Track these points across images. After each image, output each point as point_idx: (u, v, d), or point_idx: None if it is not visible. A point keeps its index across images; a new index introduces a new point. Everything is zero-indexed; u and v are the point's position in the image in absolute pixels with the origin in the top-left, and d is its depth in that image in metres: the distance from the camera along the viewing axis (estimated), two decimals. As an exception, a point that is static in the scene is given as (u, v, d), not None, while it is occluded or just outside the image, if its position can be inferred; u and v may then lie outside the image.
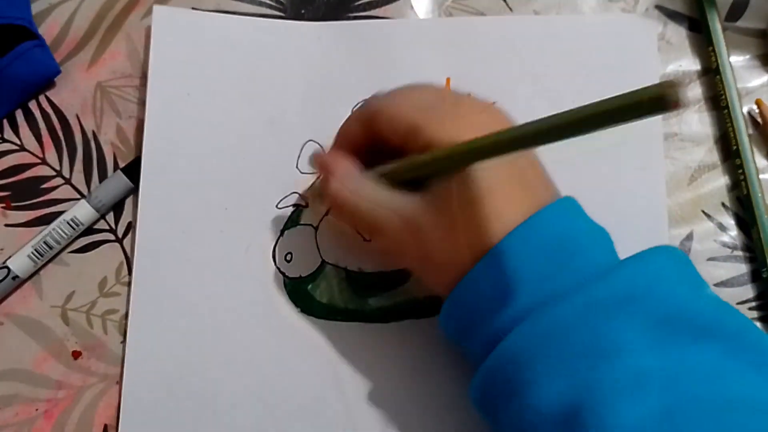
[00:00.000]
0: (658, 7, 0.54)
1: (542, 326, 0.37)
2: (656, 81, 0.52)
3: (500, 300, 0.39)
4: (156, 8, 0.54)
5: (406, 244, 0.43)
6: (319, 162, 0.48)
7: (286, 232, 0.51)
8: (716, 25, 0.53)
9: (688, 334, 0.36)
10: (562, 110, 0.33)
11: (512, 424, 0.38)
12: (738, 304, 0.50)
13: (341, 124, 0.48)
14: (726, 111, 0.52)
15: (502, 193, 0.40)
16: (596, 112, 0.30)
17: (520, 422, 0.38)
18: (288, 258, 0.51)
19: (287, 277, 0.50)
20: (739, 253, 0.51)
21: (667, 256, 0.39)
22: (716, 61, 0.52)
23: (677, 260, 0.40)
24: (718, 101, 0.53)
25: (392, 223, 0.42)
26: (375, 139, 0.45)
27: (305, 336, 0.50)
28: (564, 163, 0.51)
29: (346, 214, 0.45)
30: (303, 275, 0.51)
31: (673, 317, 0.36)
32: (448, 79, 0.53)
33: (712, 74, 0.53)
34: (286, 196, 0.51)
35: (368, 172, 0.45)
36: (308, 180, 0.52)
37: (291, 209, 0.51)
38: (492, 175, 0.40)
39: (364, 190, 0.44)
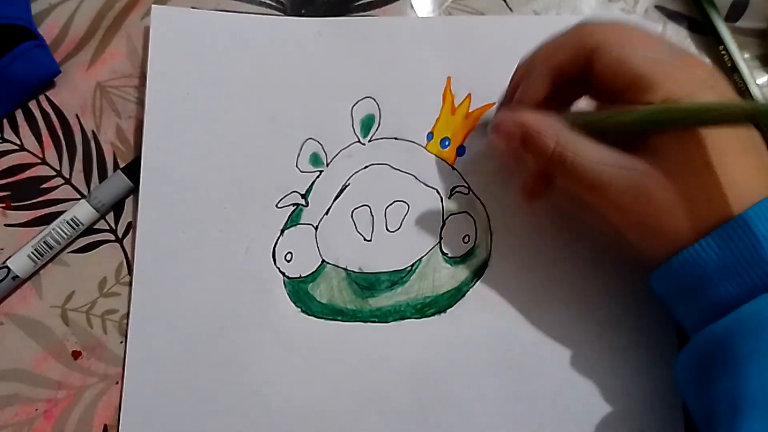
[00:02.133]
0: (658, 8, 0.54)
1: None
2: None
3: (735, 272, 0.38)
4: (154, 8, 0.54)
5: (628, 206, 0.41)
6: (511, 124, 0.44)
7: (286, 232, 0.51)
8: (721, 24, 0.53)
9: None
10: None
11: (729, 395, 0.37)
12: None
13: (534, 52, 0.46)
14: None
15: (738, 161, 0.39)
16: None
17: (739, 393, 0.37)
18: (288, 258, 0.51)
19: (287, 277, 0.50)
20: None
21: None
22: (730, 59, 0.52)
23: None
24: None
25: (617, 184, 0.41)
26: (582, 73, 0.43)
27: (305, 336, 0.50)
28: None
29: (566, 174, 0.42)
30: (303, 275, 0.50)
31: None
32: (448, 79, 0.53)
33: (723, 72, 0.53)
34: (285, 196, 0.51)
35: (570, 120, 0.43)
36: (308, 178, 0.52)
37: (291, 208, 0.51)
38: (728, 141, 0.39)
39: (586, 148, 0.42)
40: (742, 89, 0.52)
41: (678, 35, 0.54)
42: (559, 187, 0.46)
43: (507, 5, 0.55)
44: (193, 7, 0.55)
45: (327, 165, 0.52)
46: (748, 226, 0.38)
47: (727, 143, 0.39)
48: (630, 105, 0.41)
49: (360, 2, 0.55)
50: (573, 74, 0.44)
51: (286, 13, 0.55)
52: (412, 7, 0.55)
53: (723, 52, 0.53)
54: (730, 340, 0.38)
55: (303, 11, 0.55)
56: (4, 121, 0.54)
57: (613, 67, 0.41)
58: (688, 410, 0.44)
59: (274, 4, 0.55)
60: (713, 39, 0.53)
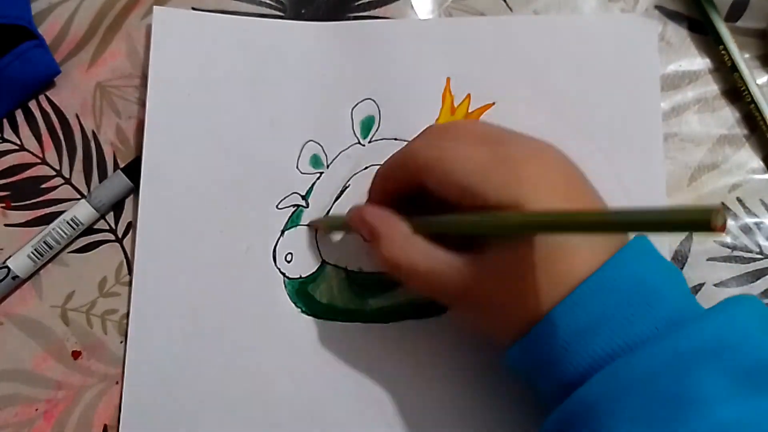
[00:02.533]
0: (658, 8, 0.54)
1: (626, 372, 0.37)
2: (657, 83, 0.52)
3: (577, 345, 0.38)
4: (156, 9, 0.54)
5: (467, 303, 0.43)
6: (359, 220, 0.46)
7: (286, 232, 0.51)
8: (721, 24, 0.53)
9: None
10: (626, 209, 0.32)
11: None
12: (738, 304, 0.50)
13: (378, 168, 0.47)
14: (753, 105, 0.52)
15: (570, 248, 0.39)
16: (651, 221, 0.31)
17: None
18: (288, 258, 0.51)
19: (287, 277, 0.50)
20: (739, 253, 0.51)
21: (750, 307, 0.39)
22: (730, 59, 0.52)
23: (760, 312, 0.39)
24: (733, 96, 0.53)
25: (452, 286, 0.41)
26: (418, 189, 0.43)
27: (305, 336, 0.50)
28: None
29: (402, 276, 0.44)
30: (303, 275, 0.51)
31: (760, 369, 0.35)
32: (448, 79, 0.52)
33: (723, 72, 0.53)
34: (286, 196, 0.51)
35: (414, 224, 0.44)
36: (308, 179, 0.52)
37: (291, 209, 0.51)
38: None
39: (419, 253, 0.43)
40: (742, 89, 0.52)
41: (678, 35, 0.54)
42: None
43: (507, 5, 0.55)
44: (193, 8, 0.55)
45: (327, 166, 0.52)
46: (580, 300, 0.38)
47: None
48: (466, 212, 0.41)
49: (360, 2, 0.55)
50: (411, 192, 0.44)
51: (285, 13, 0.55)
52: (412, 7, 0.55)
53: (723, 52, 0.53)
54: (569, 428, 0.38)
55: (303, 11, 0.55)
56: (4, 121, 0.54)
57: (442, 184, 0.42)
58: None
59: (273, 3, 0.55)
60: (713, 39, 0.53)
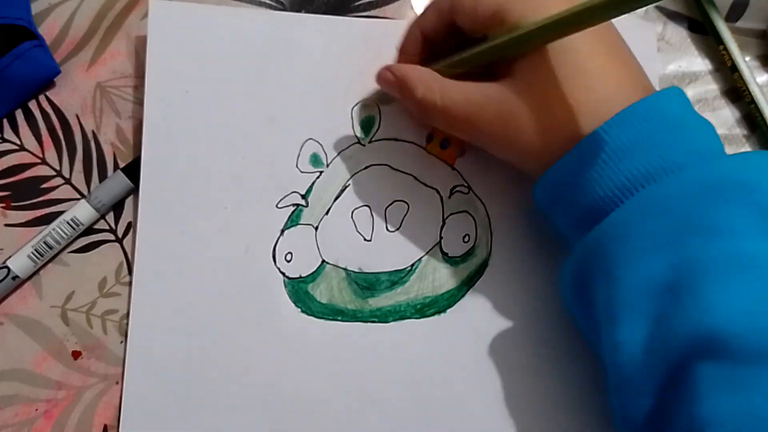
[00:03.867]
0: (658, 8, 0.54)
1: (652, 198, 0.38)
2: (656, 83, 0.52)
3: (613, 164, 0.39)
4: (152, 2, 0.53)
5: (497, 132, 0.43)
6: (390, 76, 0.48)
7: (285, 231, 0.51)
8: (721, 24, 0.53)
9: None
10: None
11: (607, 302, 0.39)
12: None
13: (409, 25, 0.49)
14: (753, 105, 0.52)
15: (602, 77, 0.41)
16: None
17: (615, 299, 0.38)
18: (288, 258, 0.51)
19: (287, 277, 0.50)
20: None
21: None
22: (730, 59, 0.52)
23: None
24: (733, 96, 0.53)
25: (484, 114, 0.43)
26: (450, 31, 0.45)
27: (305, 336, 0.50)
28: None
29: (438, 115, 0.45)
30: (303, 275, 0.51)
31: None
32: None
33: (723, 72, 0.53)
34: (286, 196, 0.51)
35: (442, 67, 0.46)
36: (307, 178, 0.52)
37: (291, 208, 0.51)
38: (585, 52, 0.40)
39: (453, 87, 0.44)
40: (742, 89, 0.52)
41: (678, 35, 0.54)
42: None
43: (507, 5, 0.55)
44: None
45: (327, 165, 0.52)
46: (602, 138, 0.39)
47: (585, 54, 0.41)
48: (497, 36, 0.43)
49: (360, 2, 0.55)
50: (443, 30, 0.46)
51: (285, 12, 0.55)
52: (411, 7, 0.55)
53: (723, 52, 0.53)
54: (602, 249, 0.39)
55: (302, 11, 0.55)
56: (4, 121, 0.54)
57: (470, 14, 0.44)
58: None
59: (273, 3, 0.55)
60: (713, 39, 0.53)
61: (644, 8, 0.54)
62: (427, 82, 0.45)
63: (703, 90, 0.53)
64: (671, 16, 0.54)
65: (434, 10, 0.47)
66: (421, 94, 0.45)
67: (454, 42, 0.47)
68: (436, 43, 0.48)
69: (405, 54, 0.50)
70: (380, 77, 0.49)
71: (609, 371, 0.40)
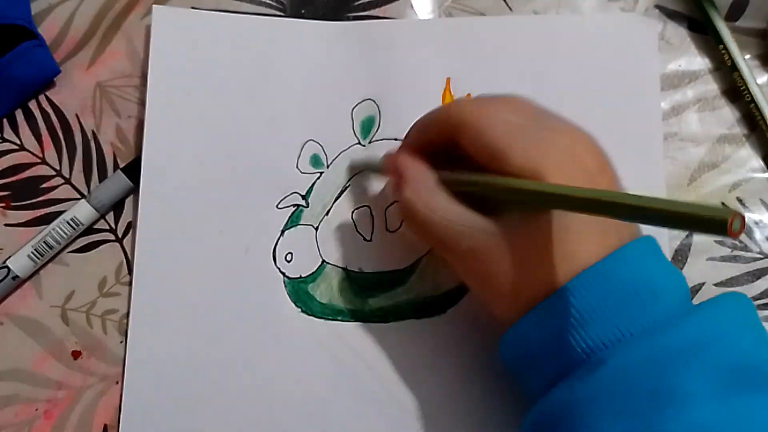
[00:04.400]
0: (658, 7, 0.54)
1: (608, 369, 0.37)
2: (656, 82, 0.52)
3: (566, 339, 0.38)
4: (155, 8, 0.54)
5: (472, 266, 0.42)
6: (391, 164, 0.46)
7: (286, 232, 0.51)
8: (721, 24, 0.53)
9: (756, 384, 0.35)
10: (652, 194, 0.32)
11: None
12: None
13: (417, 119, 0.47)
14: (753, 105, 0.52)
15: (580, 233, 0.39)
16: (667, 211, 0.30)
17: None
18: (288, 258, 0.51)
19: (287, 277, 0.50)
20: (739, 253, 0.51)
21: (736, 304, 0.39)
22: (730, 59, 0.52)
23: (745, 309, 0.39)
24: (733, 95, 0.53)
25: (462, 243, 0.42)
26: (452, 147, 0.44)
27: (305, 336, 0.50)
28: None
29: (417, 223, 0.44)
30: (303, 275, 0.51)
31: (741, 366, 0.36)
32: (448, 80, 0.53)
33: (723, 71, 0.53)
34: (286, 196, 0.51)
35: (441, 178, 0.44)
36: (308, 179, 0.52)
37: (291, 209, 0.51)
38: (573, 215, 0.39)
39: (439, 203, 0.43)
40: (742, 88, 0.52)
41: (678, 35, 0.54)
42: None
43: (507, 5, 0.55)
44: (193, 7, 0.55)
45: (327, 166, 0.52)
46: (574, 293, 0.38)
47: (576, 216, 0.39)
48: (494, 176, 0.41)
49: (360, 2, 0.55)
50: (442, 148, 0.45)
51: (285, 13, 0.55)
52: (411, 7, 0.55)
53: (723, 52, 0.53)
54: (564, 411, 0.38)
55: (303, 11, 0.55)
56: (4, 120, 0.54)
57: (474, 142, 0.42)
58: None
59: (273, 3, 0.55)
60: (713, 38, 0.53)
61: (644, 7, 0.54)
62: (418, 185, 0.44)
63: (703, 89, 0.53)
64: (671, 15, 0.54)
65: (439, 122, 0.45)
66: (407, 194, 0.44)
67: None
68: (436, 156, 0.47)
69: (405, 149, 0.48)
70: (385, 159, 0.48)
71: None
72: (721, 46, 0.53)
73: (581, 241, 0.39)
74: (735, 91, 0.53)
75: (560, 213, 0.39)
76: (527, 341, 0.41)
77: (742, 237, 0.51)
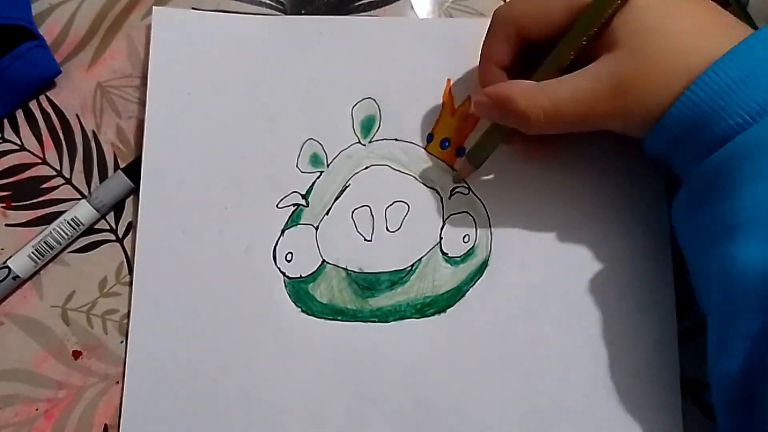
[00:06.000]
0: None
1: None
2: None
3: (734, 100, 0.39)
4: (155, 9, 0.54)
5: (617, 108, 0.43)
6: (490, 95, 0.46)
7: (286, 231, 0.51)
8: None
9: None
10: None
11: (727, 218, 0.39)
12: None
13: (479, 65, 0.49)
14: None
15: (696, 11, 0.42)
16: None
17: (738, 215, 0.38)
18: (288, 258, 0.51)
19: (287, 276, 0.50)
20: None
21: None
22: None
23: None
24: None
25: (598, 97, 0.42)
26: (520, 48, 0.46)
27: (305, 336, 0.50)
28: (563, 162, 0.51)
29: (549, 119, 0.44)
30: (303, 275, 0.51)
31: None
32: (448, 81, 0.52)
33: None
34: (286, 196, 0.51)
35: (537, 74, 0.46)
36: (308, 179, 0.52)
37: (291, 209, 0.51)
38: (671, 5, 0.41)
39: (555, 85, 0.44)
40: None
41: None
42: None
43: (507, 5, 0.55)
44: (193, 8, 0.55)
45: (327, 166, 0.52)
46: (725, 69, 0.39)
47: (666, 4, 0.42)
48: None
49: (360, 2, 0.55)
50: (516, 53, 0.47)
51: (285, 13, 0.55)
52: (412, 7, 0.55)
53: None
54: (729, 166, 0.39)
55: (303, 11, 0.55)
56: (5, 121, 0.54)
57: (543, 20, 0.45)
58: (685, 403, 0.47)
59: (274, 3, 0.55)
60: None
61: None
62: (524, 90, 0.45)
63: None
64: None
65: (498, 39, 0.47)
66: (523, 102, 0.44)
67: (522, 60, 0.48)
68: (511, 71, 0.48)
69: (487, 79, 0.49)
70: (476, 105, 0.48)
71: (715, 289, 0.40)
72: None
73: (708, 25, 0.42)
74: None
75: (666, 11, 0.42)
76: (688, 116, 0.41)
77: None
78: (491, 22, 0.47)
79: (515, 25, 0.46)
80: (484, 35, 0.48)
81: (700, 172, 0.41)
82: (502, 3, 0.54)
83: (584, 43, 0.43)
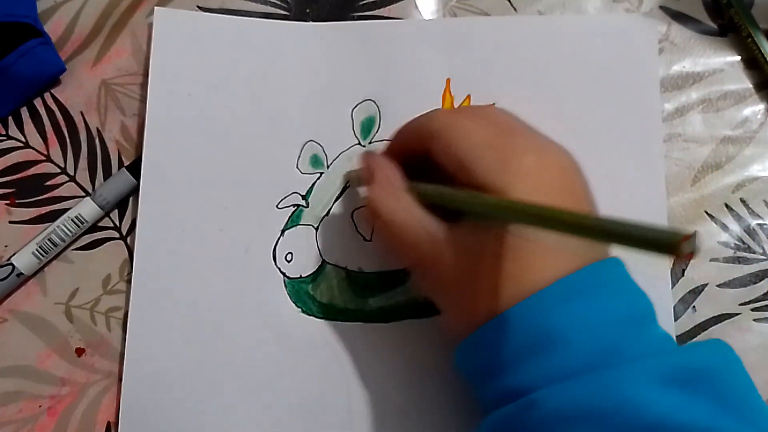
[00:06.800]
0: (663, 8, 0.54)
1: (534, 413, 0.36)
2: (657, 83, 0.52)
3: (508, 362, 0.38)
4: (156, 10, 0.54)
5: (427, 273, 0.43)
6: (365, 162, 0.47)
7: (286, 232, 0.51)
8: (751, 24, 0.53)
9: None
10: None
11: None
12: (741, 305, 0.50)
13: (400, 125, 0.47)
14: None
15: (533, 253, 0.39)
16: (624, 233, 0.30)
17: None
18: (288, 258, 0.51)
19: (287, 277, 0.51)
20: (742, 254, 0.51)
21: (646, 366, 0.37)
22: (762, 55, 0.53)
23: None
24: (738, 97, 0.53)
25: (420, 246, 0.42)
26: (426, 156, 0.44)
27: (305, 336, 0.50)
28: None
29: (379, 222, 0.44)
30: (303, 275, 0.51)
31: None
32: (448, 80, 0.52)
33: (726, 72, 0.53)
34: (286, 196, 0.51)
35: (410, 184, 0.44)
36: (308, 179, 0.52)
37: (291, 209, 0.51)
38: (528, 235, 0.39)
39: (402, 205, 0.43)
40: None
41: (682, 35, 0.54)
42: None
43: (511, 5, 0.55)
44: (198, 6, 0.55)
45: (327, 167, 0.52)
46: (508, 322, 0.38)
47: (525, 236, 0.39)
48: (458, 188, 0.41)
49: (365, 1, 0.55)
50: (420, 156, 0.44)
51: (290, 12, 0.55)
52: (416, 6, 0.55)
53: (752, 47, 0.53)
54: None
55: (307, 10, 0.55)
56: (9, 118, 0.54)
57: (443, 152, 0.42)
58: None
59: (278, 2, 0.55)
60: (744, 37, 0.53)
61: (649, 8, 0.54)
62: (385, 185, 0.44)
63: (707, 90, 0.53)
64: (675, 16, 0.54)
65: (415, 130, 0.46)
66: (373, 193, 0.44)
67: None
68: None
69: (387, 151, 0.48)
70: (360, 157, 0.48)
71: None
72: (750, 39, 0.52)
73: (532, 262, 0.39)
74: (740, 91, 0.53)
75: (515, 231, 0.39)
76: (471, 358, 0.41)
77: (745, 239, 0.51)
78: (421, 117, 0.46)
79: (426, 139, 0.44)
80: (403, 126, 0.47)
81: (487, 425, 0.40)
82: (508, 5, 0.54)
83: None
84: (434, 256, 0.41)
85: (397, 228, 0.43)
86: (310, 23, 0.55)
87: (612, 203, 0.50)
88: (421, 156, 0.44)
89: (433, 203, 0.43)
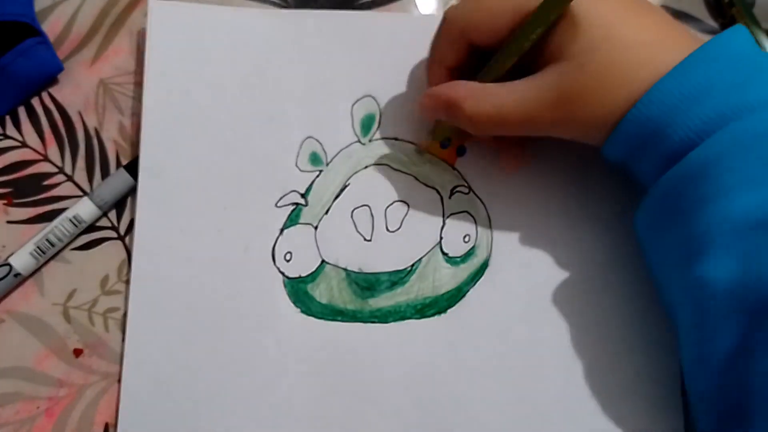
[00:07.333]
0: (664, 7, 0.54)
1: (745, 132, 0.37)
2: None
3: (688, 109, 0.39)
4: (152, 3, 0.53)
5: (562, 116, 0.43)
6: (435, 97, 0.46)
7: (285, 231, 0.51)
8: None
9: None
10: None
11: (691, 238, 0.39)
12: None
13: (427, 66, 0.49)
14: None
15: (643, 22, 0.42)
16: None
17: (702, 235, 0.38)
18: (288, 258, 0.50)
19: (286, 276, 0.50)
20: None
21: None
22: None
23: None
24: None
25: (543, 104, 0.42)
26: (468, 50, 0.45)
27: (305, 336, 0.50)
28: (564, 162, 0.51)
29: (494, 123, 0.44)
30: (303, 275, 0.50)
31: None
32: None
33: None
34: (285, 195, 0.51)
35: (478, 79, 0.45)
36: (307, 177, 0.52)
37: (290, 208, 0.51)
38: (621, 9, 0.42)
39: (502, 90, 0.44)
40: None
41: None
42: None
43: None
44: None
45: (327, 164, 0.52)
46: (690, 67, 0.39)
47: (620, 14, 0.41)
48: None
49: (363, 1, 0.55)
50: (463, 56, 0.47)
51: (289, 8, 0.55)
52: (415, 5, 0.55)
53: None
54: (686, 185, 0.39)
55: (306, 8, 0.55)
56: (7, 117, 0.54)
57: (489, 26, 0.44)
58: (686, 403, 0.47)
59: (278, 2, 0.55)
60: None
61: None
62: (471, 94, 0.45)
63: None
64: (676, 16, 0.54)
65: (446, 42, 0.47)
66: (469, 106, 0.44)
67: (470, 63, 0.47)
68: (459, 70, 0.48)
69: (435, 80, 0.49)
70: (422, 102, 0.48)
71: (686, 309, 0.40)
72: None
73: (656, 36, 0.41)
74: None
75: (612, 21, 0.41)
76: (642, 127, 0.41)
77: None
78: (440, 23, 0.47)
79: (462, 29, 0.45)
80: (433, 35, 0.48)
81: (657, 191, 0.41)
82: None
83: (528, 47, 0.43)
84: (561, 96, 0.42)
85: (517, 108, 0.43)
86: (310, 10, 0.54)
87: (613, 204, 0.50)
88: (459, 62, 0.47)
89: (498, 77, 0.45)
